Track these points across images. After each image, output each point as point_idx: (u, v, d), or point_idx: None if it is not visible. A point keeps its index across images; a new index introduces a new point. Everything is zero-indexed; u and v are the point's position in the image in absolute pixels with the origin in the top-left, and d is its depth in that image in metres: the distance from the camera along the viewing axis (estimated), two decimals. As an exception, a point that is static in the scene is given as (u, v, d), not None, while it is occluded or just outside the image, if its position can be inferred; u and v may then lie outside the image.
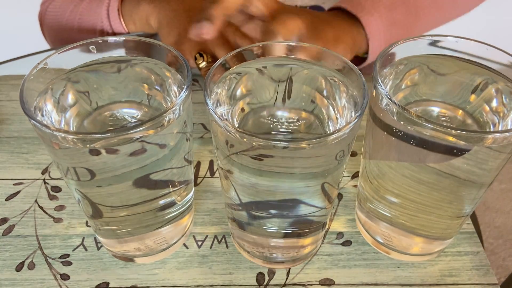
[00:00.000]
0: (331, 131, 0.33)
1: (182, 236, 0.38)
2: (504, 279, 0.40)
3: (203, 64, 0.49)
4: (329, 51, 0.32)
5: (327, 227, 0.40)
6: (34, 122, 0.27)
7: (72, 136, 0.27)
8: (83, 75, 0.33)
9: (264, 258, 0.37)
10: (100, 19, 0.58)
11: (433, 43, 0.34)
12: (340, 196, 0.42)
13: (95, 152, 0.28)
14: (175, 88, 0.33)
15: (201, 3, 0.53)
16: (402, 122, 0.29)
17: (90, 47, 0.33)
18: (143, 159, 0.29)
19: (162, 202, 0.33)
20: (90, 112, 0.34)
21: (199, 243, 0.39)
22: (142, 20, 0.56)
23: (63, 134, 0.27)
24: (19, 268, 0.37)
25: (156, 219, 0.34)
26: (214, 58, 0.50)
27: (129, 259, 0.37)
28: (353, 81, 0.31)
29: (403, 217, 0.35)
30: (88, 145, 0.27)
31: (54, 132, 0.27)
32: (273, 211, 0.32)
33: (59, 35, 0.63)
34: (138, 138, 0.28)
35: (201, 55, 0.49)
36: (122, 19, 0.58)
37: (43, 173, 0.44)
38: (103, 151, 0.28)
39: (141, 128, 0.27)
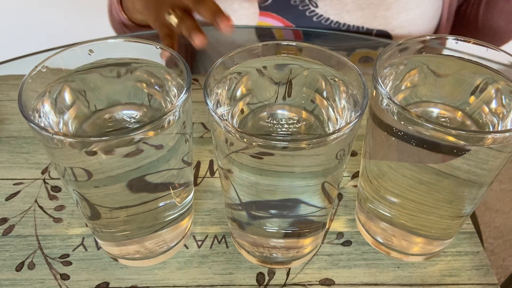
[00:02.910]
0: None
1: (183, 238, 0.38)
2: (504, 279, 0.40)
3: (175, 20, 0.48)
4: (329, 51, 0.32)
5: (327, 227, 0.40)
6: (33, 125, 0.27)
7: (70, 139, 0.27)
8: (81, 77, 0.33)
9: (264, 258, 0.37)
10: (114, 5, 0.64)
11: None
12: (340, 196, 0.42)
13: (91, 152, 0.28)
14: (175, 90, 0.33)
15: None
16: (402, 122, 0.29)
17: (88, 50, 0.33)
18: (141, 159, 0.29)
19: (161, 204, 0.33)
20: (88, 114, 0.33)
21: (199, 243, 0.39)
22: (133, 7, 0.59)
23: (62, 137, 0.27)
24: (19, 268, 0.37)
25: (155, 221, 0.34)
26: (186, 12, 0.48)
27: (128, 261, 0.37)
28: (353, 80, 0.31)
29: (403, 217, 0.35)
30: (87, 148, 0.27)
31: (54, 136, 0.27)
32: (273, 211, 0.32)
33: (111, 21, 0.69)
34: (136, 140, 0.28)
35: (171, 14, 0.48)
36: (121, 7, 0.62)
37: (43, 173, 0.44)
38: (99, 151, 0.28)
39: (140, 131, 0.27)
